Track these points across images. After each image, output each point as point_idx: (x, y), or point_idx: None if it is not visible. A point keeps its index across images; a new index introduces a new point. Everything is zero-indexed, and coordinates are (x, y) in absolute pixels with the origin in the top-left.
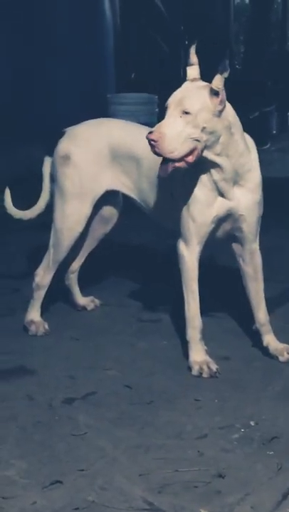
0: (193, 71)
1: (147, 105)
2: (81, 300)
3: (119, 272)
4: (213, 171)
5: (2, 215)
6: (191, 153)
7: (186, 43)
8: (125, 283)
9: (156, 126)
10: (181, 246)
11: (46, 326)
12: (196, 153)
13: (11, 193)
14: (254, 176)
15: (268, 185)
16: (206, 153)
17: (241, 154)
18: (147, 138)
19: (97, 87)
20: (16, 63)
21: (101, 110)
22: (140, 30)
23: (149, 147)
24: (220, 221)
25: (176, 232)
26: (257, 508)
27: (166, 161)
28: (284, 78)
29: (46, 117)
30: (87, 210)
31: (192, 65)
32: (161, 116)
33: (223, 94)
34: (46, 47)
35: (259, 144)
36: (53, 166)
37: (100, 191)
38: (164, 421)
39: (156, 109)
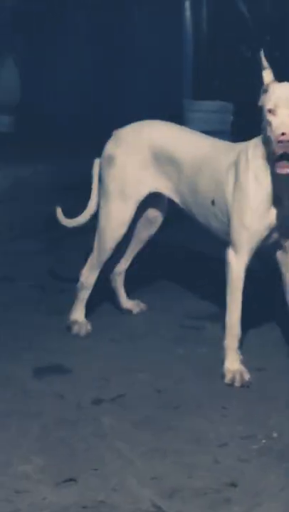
0: (269, 74)
1: (221, 113)
2: (126, 303)
3: (168, 277)
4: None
5: None
6: None
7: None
8: (172, 288)
9: (279, 127)
10: (230, 254)
11: (89, 327)
12: None
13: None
14: None
15: None
16: None
17: None
18: (281, 140)
19: (173, 93)
20: (95, 68)
21: (175, 117)
22: (226, 38)
23: (189, 151)
24: (272, 230)
25: (217, 238)
26: None
27: (282, 159)
28: None
29: (119, 122)
30: (130, 211)
31: (266, 68)
32: (235, 123)
33: None
34: (123, 53)
35: None
36: (100, 167)
37: (143, 193)
38: (186, 426)
39: (231, 117)
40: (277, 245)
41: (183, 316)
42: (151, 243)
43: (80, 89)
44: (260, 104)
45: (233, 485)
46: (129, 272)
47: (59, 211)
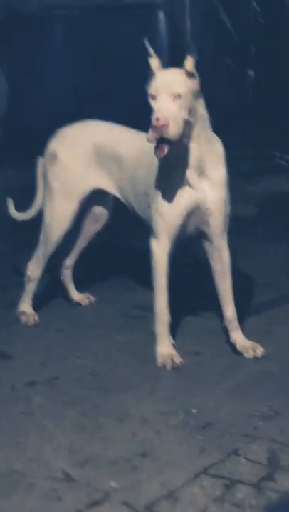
0: (155, 61)
1: None
2: (76, 296)
3: (118, 270)
4: (181, 157)
5: None
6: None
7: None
8: (122, 282)
9: (156, 112)
10: (153, 242)
11: (36, 318)
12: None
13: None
14: (220, 171)
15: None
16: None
17: (210, 141)
18: (154, 125)
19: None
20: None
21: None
22: (209, 51)
23: (129, 148)
24: (188, 214)
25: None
26: (166, 484)
27: (160, 142)
28: None
29: None
30: (73, 207)
31: (152, 56)
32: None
33: (197, 76)
34: (104, 64)
35: None
36: (43, 165)
37: (86, 190)
38: (112, 405)
39: None
40: (202, 234)
41: (129, 306)
42: (108, 243)
43: (62, 99)
44: (147, 90)
45: (143, 455)
46: (83, 266)
47: (10, 204)
